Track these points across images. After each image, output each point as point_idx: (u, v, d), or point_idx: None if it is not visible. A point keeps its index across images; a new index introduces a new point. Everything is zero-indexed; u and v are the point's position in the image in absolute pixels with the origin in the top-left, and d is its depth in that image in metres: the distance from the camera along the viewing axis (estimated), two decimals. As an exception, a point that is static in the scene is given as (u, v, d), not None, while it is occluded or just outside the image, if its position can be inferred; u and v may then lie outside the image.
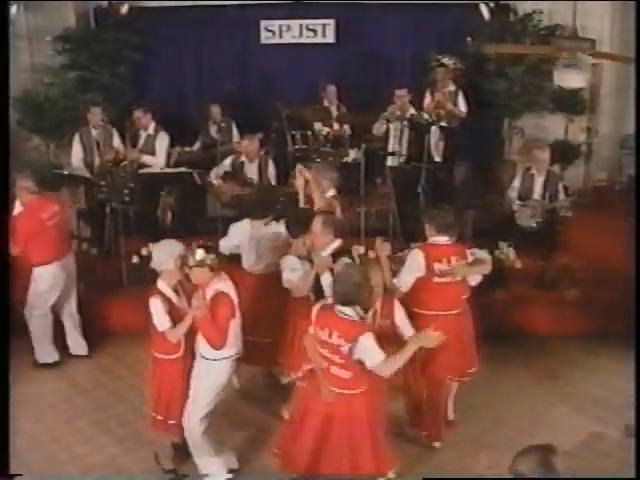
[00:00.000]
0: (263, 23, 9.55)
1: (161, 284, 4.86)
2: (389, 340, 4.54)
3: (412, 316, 5.03)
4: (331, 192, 6.25)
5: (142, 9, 9.48)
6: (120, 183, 7.34)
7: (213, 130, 8.81)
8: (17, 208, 6.25)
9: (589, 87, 8.96)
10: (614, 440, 5.47)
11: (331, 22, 9.52)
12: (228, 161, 7.88)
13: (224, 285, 4.77)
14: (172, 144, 8.36)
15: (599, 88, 9.41)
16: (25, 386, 6.22)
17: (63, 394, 6.22)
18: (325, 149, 8.80)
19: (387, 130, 8.43)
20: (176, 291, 4.89)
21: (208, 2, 9.54)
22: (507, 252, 7.16)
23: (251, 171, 7.72)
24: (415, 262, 5.14)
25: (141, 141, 8.18)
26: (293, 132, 8.83)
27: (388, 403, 4.94)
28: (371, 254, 6.39)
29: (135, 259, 7.19)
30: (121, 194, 7.10)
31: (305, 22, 9.53)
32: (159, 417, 4.97)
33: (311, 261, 5.18)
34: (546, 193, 7.50)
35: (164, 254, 4.83)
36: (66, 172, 8.04)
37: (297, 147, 8.77)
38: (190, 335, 4.81)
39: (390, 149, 8.42)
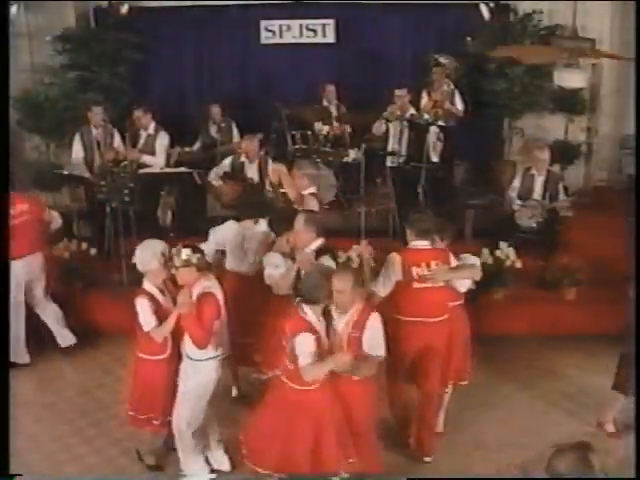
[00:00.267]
0: (263, 23, 9.55)
1: (147, 284, 4.86)
2: (338, 350, 4.45)
3: (392, 322, 4.96)
4: (310, 190, 6.23)
5: (142, 9, 9.48)
6: (120, 183, 7.33)
7: (213, 130, 8.81)
8: None
9: (589, 87, 8.97)
10: (615, 439, 5.46)
11: (331, 22, 9.52)
12: (228, 161, 7.88)
13: (210, 285, 4.78)
14: (172, 144, 8.36)
15: (599, 88, 9.41)
16: (25, 386, 6.23)
17: (63, 394, 6.22)
18: (325, 149, 8.81)
19: (387, 130, 8.44)
20: (162, 291, 4.88)
21: (208, 2, 9.54)
22: (507, 252, 7.16)
23: (251, 171, 7.72)
24: (392, 266, 5.00)
25: (141, 141, 8.18)
26: (293, 132, 8.85)
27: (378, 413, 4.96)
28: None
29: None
30: (121, 194, 7.10)
31: (305, 22, 9.54)
32: (140, 416, 4.96)
33: (294, 258, 5.15)
34: (546, 193, 7.51)
35: (147, 254, 4.82)
36: (66, 172, 8.05)
37: (297, 147, 8.79)
38: (177, 337, 4.82)
39: (390, 149, 8.42)
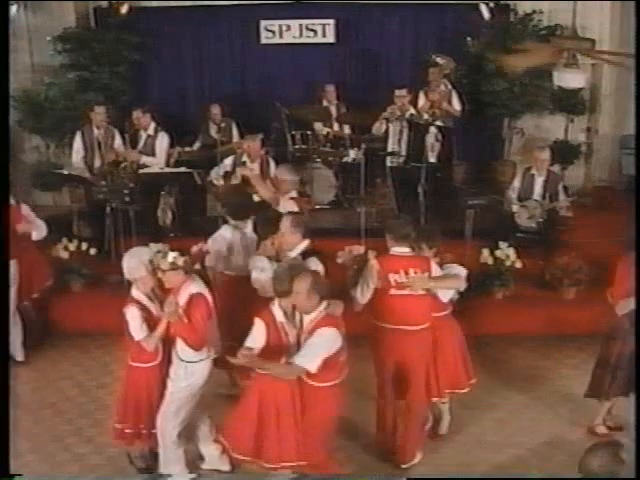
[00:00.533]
0: (263, 23, 9.55)
1: (135, 292, 4.82)
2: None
3: (373, 329, 4.98)
4: (292, 194, 6.23)
5: (142, 9, 9.48)
6: (120, 183, 7.36)
7: (213, 130, 8.80)
8: None
9: (589, 87, 8.98)
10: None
11: (331, 22, 9.52)
12: (229, 161, 7.87)
13: (198, 286, 4.77)
14: (172, 144, 8.35)
15: (599, 88, 9.42)
16: (25, 386, 6.22)
17: (63, 394, 6.22)
18: (325, 149, 8.81)
19: (387, 130, 8.44)
20: (150, 298, 4.85)
21: (208, 2, 9.54)
22: (507, 252, 7.16)
23: (253, 171, 7.71)
24: (369, 273, 4.92)
25: (141, 142, 8.17)
26: (293, 132, 8.84)
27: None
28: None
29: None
30: (121, 194, 7.11)
31: (305, 22, 9.53)
32: (128, 429, 4.91)
33: (279, 261, 5.11)
34: (546, 193, 7.52)
35: (134, 261, 4.79)
36: (66, 172, 8.05)
37: (297, 147, 8.78)
38: (167, 342, 4.80)
39: (390, 149, 8.42)
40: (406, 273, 4.90)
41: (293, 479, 4.72)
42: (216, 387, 5.55)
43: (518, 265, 7.11)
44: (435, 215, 7.77)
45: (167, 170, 8.08)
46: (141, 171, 7.79)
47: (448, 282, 5.12)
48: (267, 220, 5.73)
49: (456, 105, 8.64)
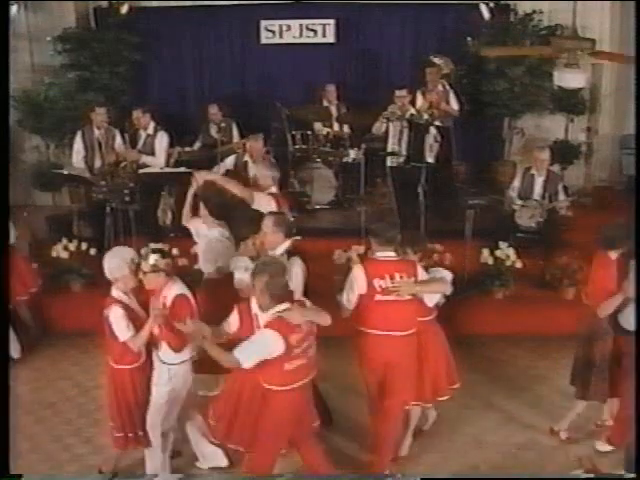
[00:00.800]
0: (263, 23, 9.54)
1: (116, 292, 4.78)
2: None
3: (358, 335, 4.89)
4: (272, 190, 6.20)
5: (142, 9, 9.48)
6: (120, 183, 7.36)
7: (213, 130, 8.80)
8: None
9: (589, 87, 8.98)
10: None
11: (331, 22, 9.51)
12: (231, 160, 7.88)
13: (181, 288, 4.76)
14: (172, 144, 8.35)
15: (599, 88, 9.42)
16: (25, 386, 6.22)
17: (63, 394, 6.22)
18: (325, 149, 8.82)
19: (387, 130, 8.43)
20: (130, 298, 4.82)
21: (208, 2, 9.54)
22: (507, 252, 7.16)
23: (254, 171, 7.71)
24: (354, 279, 4.83)
25: (140, 141, 8.18)
26: (293, 132, 8.84)
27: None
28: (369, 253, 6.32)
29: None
30: (121, 194, 7.10)
31: (305, 22, 9.52)
32: (129, 434, 4.88)
33: None
34: (546, 193, 7.52)
35: (117, 261, 4.77)
36: (66, 172, 8.04)
37: (297, 147, 8.78)
38: (149, 342, 4.79)
39: (390, 149, 8.42)
40: (391, 278, 4.80)
41: (291, 479, 4.73)
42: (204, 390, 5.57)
43: (518, 265, 7.11)
44: (435, 215, 7.78)
45: (167, 170, 8.07)
46: (141, 171, 7.79)
47: (434, 286, 5.04)
48: (247, 219, 5.67)
49: (454, 105, 8.64)
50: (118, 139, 8.12)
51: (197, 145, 9.01)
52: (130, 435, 4.90)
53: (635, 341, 4.99)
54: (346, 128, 9.17)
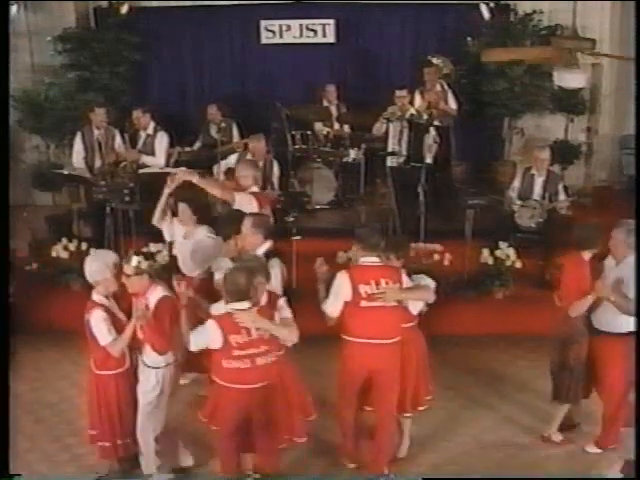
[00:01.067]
0: (263, 23, 9.55)
1: (97, 296, 4.73)
2: None
3: (342, 343, 4.82)
4: (253, 189, 6.19)
5: (142, 9, 9.49)
6: (120, 183, 7.36)
7: (213, 130, 8.80)
8: None
9: (589, 87, 8.98)
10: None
11: (331, 22, 9.51)
12: (234, 158, 7.87)
13: (164, 290, 4.73)
14: (172, 144, 8.35)
15: (599, 88, 9.42)
16: (25, 386, 6.23)
17: (63, 394, 6.22)
18: (325, 149, 8.82)
19: (387, 130, 8.43)
20: (110, 302, 4.78)
21: (208, 2, 9.54)
22: (507, 252, 7.16)
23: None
24: (340, 285, 4.74)
25: (140, 141, 8.17)
26: (293, 132, 8.83)
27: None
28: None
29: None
30: (121, 194, 7.10)
31: (305, 22, 9.53)
32: (107, 444, 4.84)
33: None
34: (546, 193, 7.52)
35: (99, 264, 4.73)
36: (66, 172, 8.04)
37: (297, 147, 8.78)
38: (133, 347, 4.76)
39: (390, 149, 8.42)
40: (377, 284, 4.71)
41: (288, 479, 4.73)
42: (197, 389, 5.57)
43: (518, 265, 7.12)
44: (435, 215, 7.78)
45: (167, 170, 8.06)
46: (141, 171, 7.80)
47: (419, 294, 4.95)
48: (229, 220, 5.63)
49: (452, 105, 8.63)
50: (118, 139, 8.12)
51: (197, 145, 9.01)
52: (119, 443, 4.85)
53: (635, 341, 4.99)
54: (346, 128, 9.17)
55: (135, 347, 4.77)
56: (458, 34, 9.23)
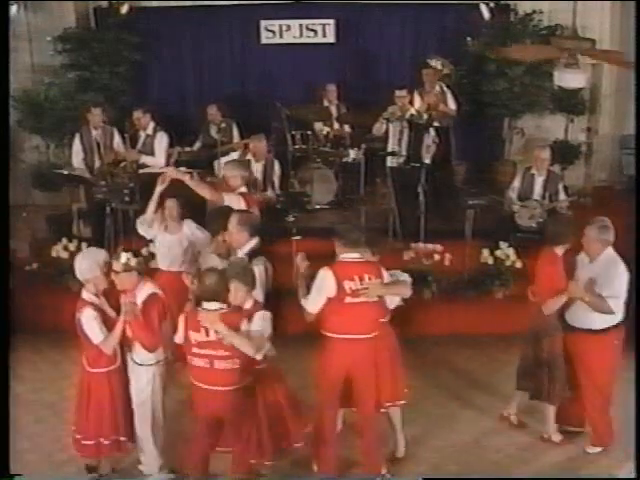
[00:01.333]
0: (263, 23, 9.54)
1: (86, 294, 4.74)
2: None
3: (323, 340, 4.81)
4: (241, 189, 6.20)
5: (142, 9, 9.48)
6: (120, 183, 7.36)
7: (213, 130, 8.79)
8: None
9: (589, 87, 8.97)
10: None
11: (331, 22, 9.51)
12: (236, 156, 7.87)
13: (153, 287, 4.75)
14: (172, 144, 8.35)
15: (599, 88, 9.42)
16: (25, 386, 6.23)
17: (63, 394, 6.21)
18: (325, 149, 8.81)
19: (387, 130, 8.43)
20: (100, 299, 4.78)
21: (208, 2, 9.54)
22: (507, 252, 7.16)
23: (257, 171, 7.71)
24: (324, 282, 4.72)
25: (140, 141, 8.17)
26: (293, 132, 8.83)
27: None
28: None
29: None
30: (121, 194, 7.11)
31: (305, 22, 9.52)
32: (106, 441, 4.82)
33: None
34: (546, 193, 7.53)
35: (89, 262, 4.74)
36: (66, 172, 8.04)
37: (297, 147, 8.78)
38: (124, 344, 4.77)
39: (390, 149, 8.42)
40: (361, 279, 4.73)
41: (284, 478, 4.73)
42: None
43: (518, 265, 7.12)
44: (435, 215, 7.79)
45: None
46: (141, 171, 7.80)
47: (399, 289, 4.99)
48: (217, 215, 5.65)
49: (451, 106, 8.62)
50: (117, 138, 8.12)
51: (197, 145, 9.01)
52: (105, 443, 4.83)
53: (635, 341, 4.99)
54: (346, 128, 9.18)
55: (125, 345, 4.78)
56: (458, 34, 9.23)
